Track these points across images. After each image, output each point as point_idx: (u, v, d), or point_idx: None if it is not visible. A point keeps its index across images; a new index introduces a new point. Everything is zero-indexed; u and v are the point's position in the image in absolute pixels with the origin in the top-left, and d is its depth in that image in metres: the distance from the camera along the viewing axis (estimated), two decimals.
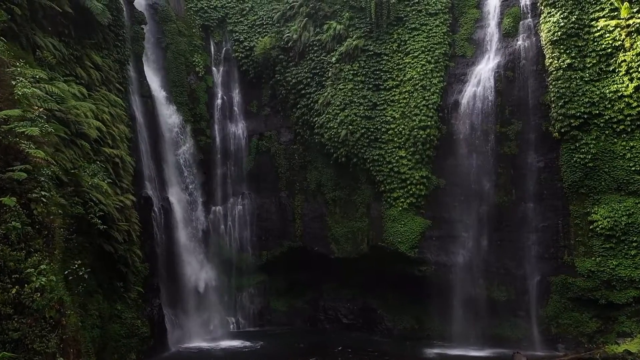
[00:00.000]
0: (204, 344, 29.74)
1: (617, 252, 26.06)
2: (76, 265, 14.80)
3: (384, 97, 31.48)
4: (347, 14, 32.51)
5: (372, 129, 31.23)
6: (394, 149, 30.74)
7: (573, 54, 27.06)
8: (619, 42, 26.12)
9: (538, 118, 28.56)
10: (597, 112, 26.56)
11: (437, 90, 30.37)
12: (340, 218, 32.95)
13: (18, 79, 14.52)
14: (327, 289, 34.62)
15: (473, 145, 29.67)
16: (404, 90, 30.95)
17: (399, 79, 31.30)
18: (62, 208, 15.50)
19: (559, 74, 27.26)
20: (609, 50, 26.42)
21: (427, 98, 30.29)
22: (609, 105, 26.33)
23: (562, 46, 27.27)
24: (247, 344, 29.70)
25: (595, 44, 26.77)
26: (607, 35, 26.42)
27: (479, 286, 29.46)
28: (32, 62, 18.52)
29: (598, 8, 26.76)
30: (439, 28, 31.06)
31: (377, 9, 31.47)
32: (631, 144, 26.05)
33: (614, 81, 26.27)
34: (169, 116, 32.02)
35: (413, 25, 31.44)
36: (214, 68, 36.00)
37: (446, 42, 30.96)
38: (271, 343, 29.89)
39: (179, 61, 33.72)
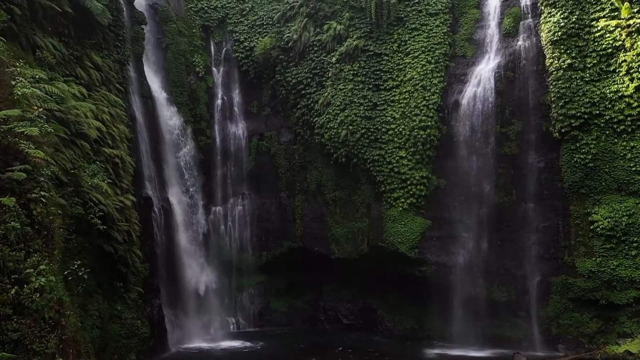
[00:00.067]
0: (204, 345, 29.71)
1: (617, 253, 26.03)
2: (76, 266, 14.78)
3: (384, 97, 31.46)
4: (347, 14, 32.50)
5: (372, 129, 31.21)
6: (394, 149, 30.72)
7: (573, 54, 27.04)
8: (620, 42, 26.10)
9: (538, 118, 28.54)
10: (598, 112, 26.53)
11: (438, 91, 30.34)
12: (341, 218, 32.92)
13: (18, 79, 14.49)
14: (327, 289, 34.59)
15: (473, 145, 29.64)
16: (404, 90, 30.93)
17: (399, 79, 31.28)
18: (61, 208, 15.47)
19: (560, 74, 27.24)
20: (610, 50, 26.39)
21: (427, 98, 30.26)
22: (610, 106, 26.30)
23: (562, 46, 27.25)
24: (248, 344, 29.67)
25: (596, 44, 26.75)
26: (608, 35, 26.40)
27: (479, 286, 29.43)
28: (32, 62, 18.49)
29: (598, 8, 26.75)
30: (439, 28, 31.04)
31: (377, 9, 31.45)
32: (632, 144, 26.03)
33: (614, 81, 26.25)
34: (170, 117, 32.00)
35: (413, 26, 31.42)
36: (214, 68, 35.99)
37: (446, 42, 30.94)
38: (271, 343, 29.85)
39: (179, 61, 33.70)
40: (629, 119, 25.95)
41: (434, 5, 31.25)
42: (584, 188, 27.03)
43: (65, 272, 14.47)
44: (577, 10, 27.05)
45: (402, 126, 30.61)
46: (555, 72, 27.42)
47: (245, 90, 36.41)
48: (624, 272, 25.69)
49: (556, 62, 27.40)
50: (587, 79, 26.81)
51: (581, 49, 27.03)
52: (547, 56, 27.84)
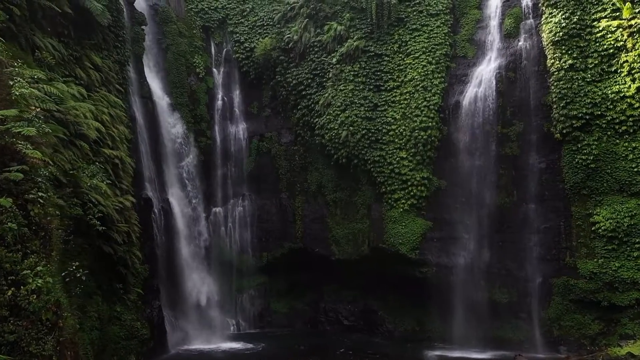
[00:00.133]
0: (204, 346, 29.61)
1: (619, 254, 25.91)
2: (74, 267, 14.64)
3: (384, 98, 31.39)
4: (348, 14, 32.44)
5: (372, 130, 31.14)
6: (394, 150, 30.64)
7: (575, 55, 26.94)
8: (621, 43, 26.01)
9: (540, 119, 28.45)
10: (599, 113, 26.43)
11: (438, 91, 30.26)
12: (341, 219, 32.85)
13: (16, 79, 14.40)
14: (328, 290, 34.50)
15: (474, 146, 29.58)
16: (404, 91, 30.85)
17: (399, 80, 31.20)
18: (60, 209, 15.37)
19: (561, 74, 27.14)
20: (611, 50, 26.30)
21: (428, 99, 30.18)
22: (611, 106, 26.20)
23: (563, 47, 27.16)
24: (248, 346, 29.60)
25: (597, 44, 26.65)
26: (609, 35, 26.31)
27: (480, 288, 29.33)
28: (31, 63, 18.40)
29: (600, 8, 26.65)
30: (440, 29, 30.97)
31: (377, 9, 31.38)
32: (633, 145, 25.91)
33: (616, 82, 26.15)
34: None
35: (414, 26, 31.35)
36: (214, 69, 35.95)
37: (447, 43, 30.86)
38: (272, 345, 29.79)
39: (179, 62, 33.66)
40: (630, 119, 25.84)
41: (434, 5, 31.19)
42: (585, 189, 26.92)
43: (63, 274, 14.37)
44: (579, 10, 26.96)
45: (403, 127, 30.53)
46: (556, 72, 27.33)
47: (246, 91, 36.38)
48: (625, 274, 25.56)
49: (557, 62, 27.31)
50: (588, 80, 26.71)
51: (582, 50, 26.94)
52: (549, 57, 27.75)
